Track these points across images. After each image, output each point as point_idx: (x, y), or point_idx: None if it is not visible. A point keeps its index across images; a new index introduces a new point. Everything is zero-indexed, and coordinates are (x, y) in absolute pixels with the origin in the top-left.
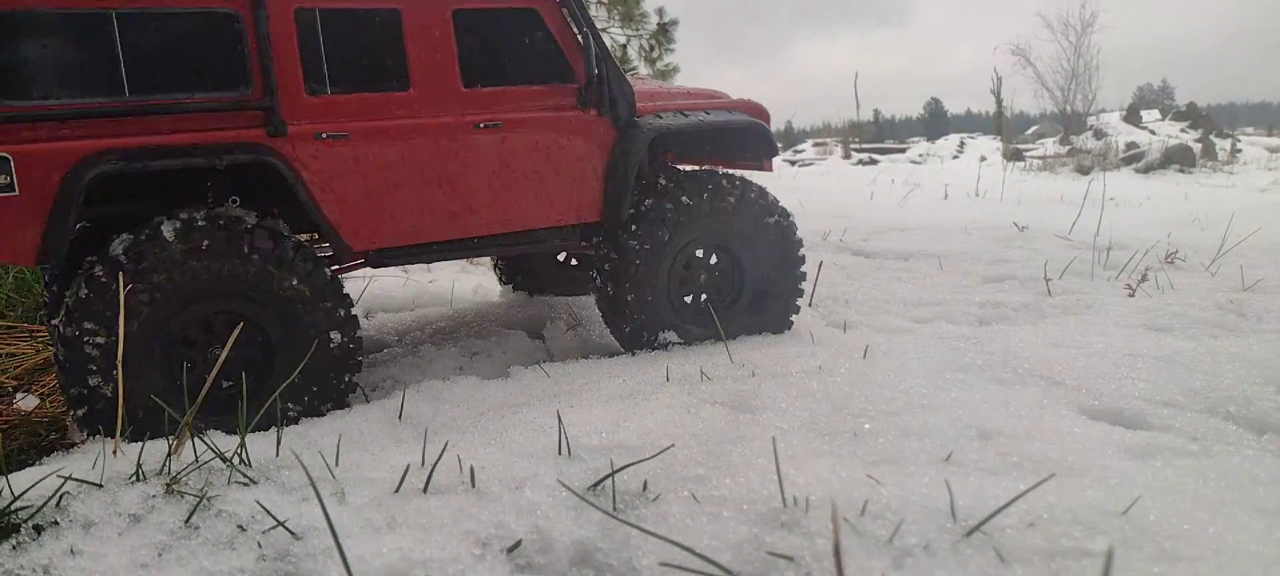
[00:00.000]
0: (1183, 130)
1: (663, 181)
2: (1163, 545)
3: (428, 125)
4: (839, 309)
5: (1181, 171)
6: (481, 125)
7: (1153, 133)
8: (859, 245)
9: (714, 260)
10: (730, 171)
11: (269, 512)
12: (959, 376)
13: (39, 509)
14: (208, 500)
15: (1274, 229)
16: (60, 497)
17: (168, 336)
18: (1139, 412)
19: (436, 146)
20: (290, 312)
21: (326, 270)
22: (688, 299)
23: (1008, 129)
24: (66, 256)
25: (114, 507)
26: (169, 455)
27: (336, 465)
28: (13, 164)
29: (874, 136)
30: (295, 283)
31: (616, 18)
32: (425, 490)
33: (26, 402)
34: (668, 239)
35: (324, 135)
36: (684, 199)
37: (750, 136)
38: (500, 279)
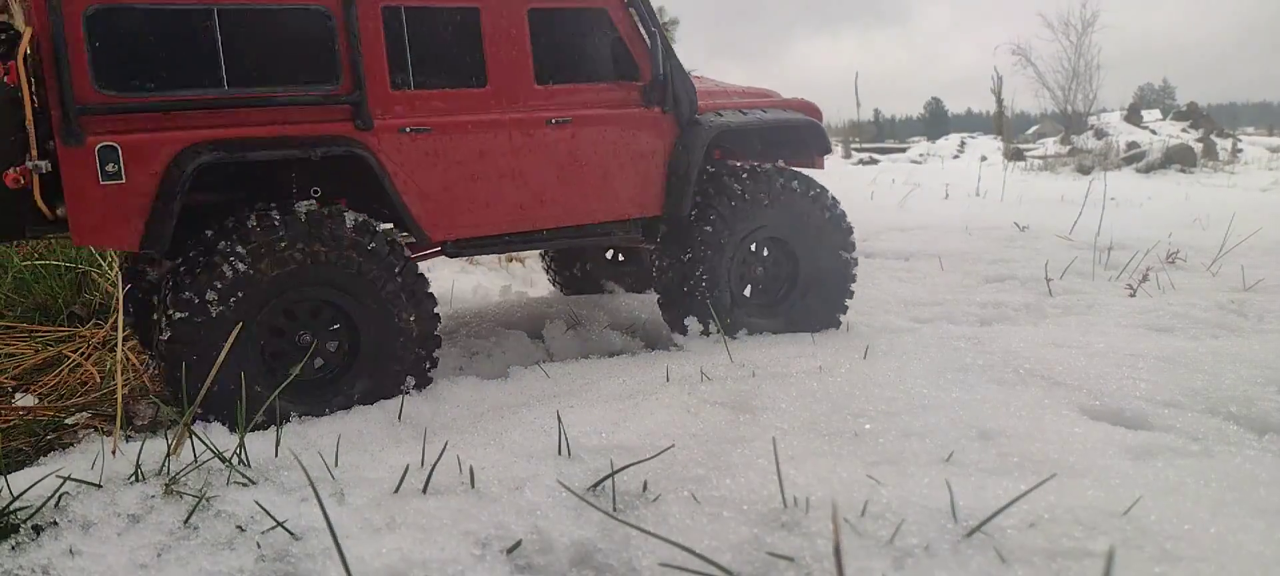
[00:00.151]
0: (1184, 130)
1: (726, 176)
2: (1164, 545)
3: (503, 121)
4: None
5: (1182, 171)
6: (553, 121)
7: (1154, 132)
8: (859, 245)
9: (771, 254)
10: (788, 167)
11: (268, 513)
12: (960, 376)
13: (38, 509)
14: (207, 500)
15: (1275, 229)
16: (59, 498)
17: (263, 322)
18: (1140, 413)
19: (510, 141)
20: (376, 299)
21: (410, 259)
22: (747, 291)
23: (1008, 129)
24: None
25: (113, 508)
26: (168, 455)
27: (336, 465)
28: (121, 152)
29: (874, 136)
30: (382, 271)
31: None
32: (425, 490)
33: (25, 402)
34: (729, 232)
35: (407, 129)
36: (745, 193)
37: (805, 134)
38: (552, 280)
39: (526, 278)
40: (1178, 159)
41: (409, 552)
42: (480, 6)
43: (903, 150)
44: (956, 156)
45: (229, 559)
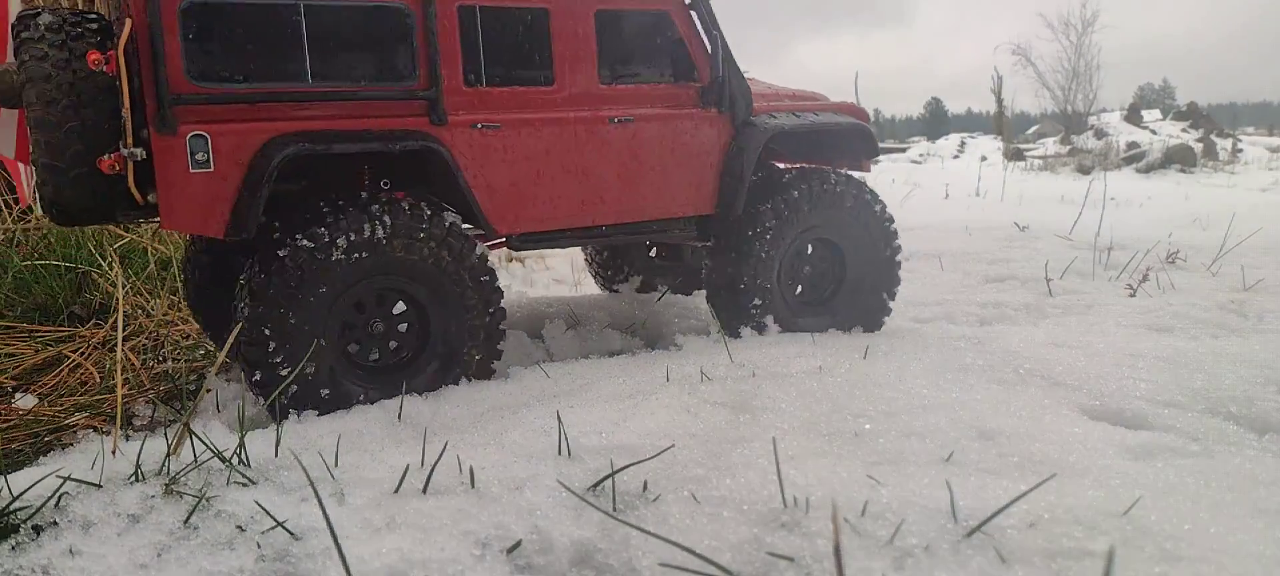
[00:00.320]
0: (1184, 130)
1: (779, 177)
2: (1164, 545)
3: (568, 118)
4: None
5: (1182, 171)
6: (615, 120)
7: (1154, 132)
8: None
9: (820, 254)
10: (840, 170)
11: (268, 513)
12: (960, 376)
13: (38, 509)
14: (207, 500)
15: (1275, 228)
16: (59, 498)
17: (342, 309)
18: (1140, 413)
19: (575, 139)
20: (447, 289)
21: (479, 250)
22: (797, 290)
23: (1008, 128)
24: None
25: (113, 508)
26: (168, 455)
27: (336, 465)
28: (210, 142)
29: None
30: (454, 262)
31: None
32: (425, 490)
33: (25, 402)
34: (781, 232)
35: (479, 125)
36: (797, 195)
37: (853, 138)
38: (595, 278)
39: (526, 277)
40: (1178, 159)
41: (409, 552)
42: (550, 7)
43: (903, 150)
44: (956, 156)
45: (229, 559)
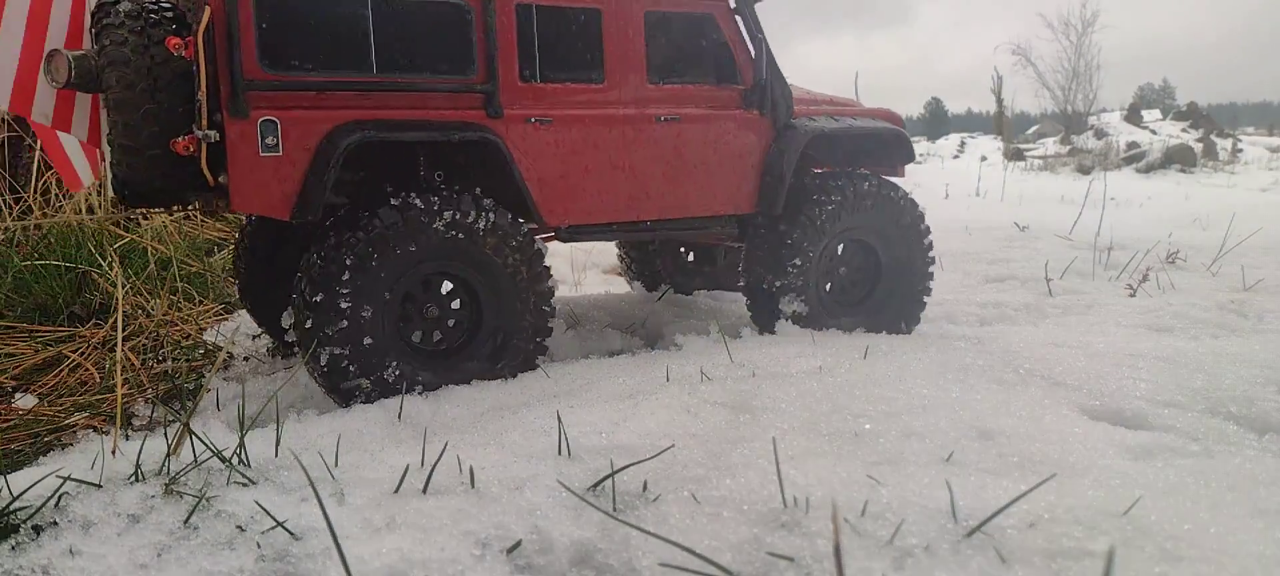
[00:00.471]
0: (1184, 130)
1: (817, 179)
2: (1164, 545)
3: (617, 116)
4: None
5: (1182, 171)
6: (661, 118)
7: (1154, 132)
8: None
9: (856, 255)
10: (876, 173)
11: (268, 513)
12: (960, 376)
13: (38, 509)
14: (207, 500)
15: (1275, 228)
16: (59, 498)
17: (399, 293)
18: (1140, 413)
19: (623, 136)
20: (502, 278)
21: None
22: (830, 289)
23: (1008, 128)
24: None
25: (113, 508)
26: (168, 455)
27: (336, 465)
28: (279, 127)
29: None
30: (511, 253)
31: None
32: (425, 490)
33: (25, 402)
34: (818, 233)
35: (532, 119)
36: (835, 196)
37: (890, 143)
38: (628, 276)
39: None
40: (1178, 159)
41: (409, 552)
42: (602, 8)
43: None
44: (956, 156)
45: (229, 559)
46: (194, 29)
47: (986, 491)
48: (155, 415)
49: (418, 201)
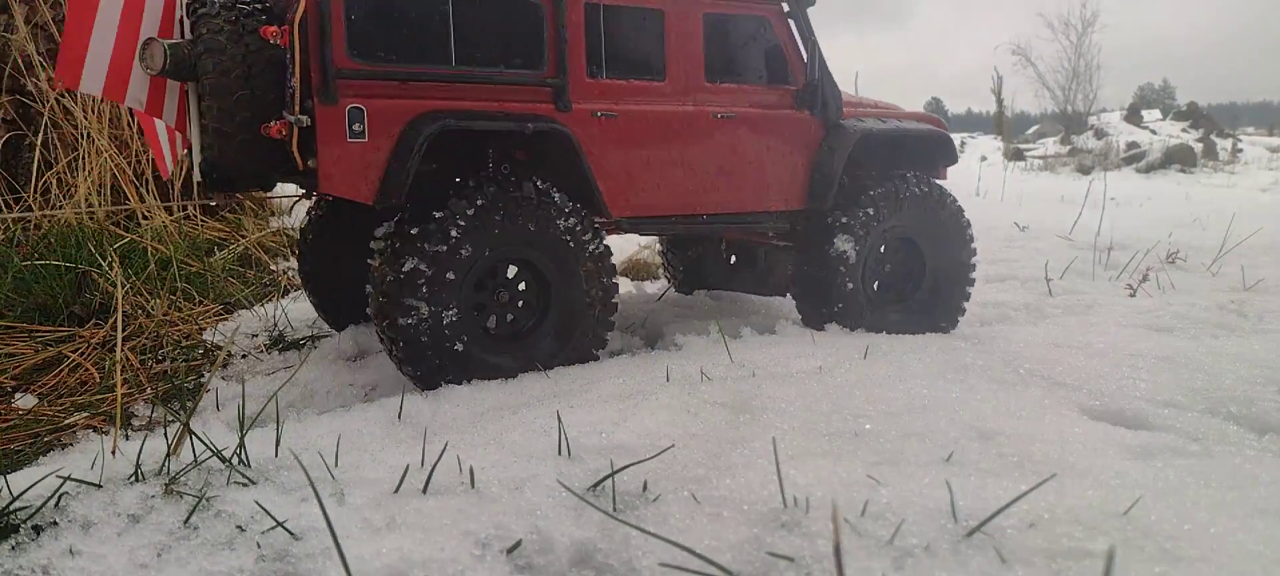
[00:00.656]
0: (1184, 130)
1: (865, 179)
2: (1164, 545)
3: (677, 112)
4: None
5: (1182, 171)
6: (718, 115)
7: (1154, 132)
8: None
9: (902, 253)
10: (922, 174)
11: (268, 513)
12: (960, 376)
13: (38, 509)
14: (207, 500)
15: (1275, 228)
16: (59, 498)
17: (474, 277)
18: (1140, 413)
19: (682, 132)
20: (570, 265)
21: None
22: (877, 287)
23: (1008, 128)
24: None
25: (113, 508)
26: (168, 455)
27: (336, 465)
28: (365, 114)
29: None
30: (581, 244)
31: None
32: (425, 490)
33: (25, 402)
34: (867, 232)
35: (598, 113)
36: (882, 196)
37: (934, 146)
38: (666, 276)
39: None
40: (1178, 159)
41: (409, 552)
42: (665, 9)
43: None
44: None
45: (229, 559)
46: (289, 19)
47: (986, 491)
48: (155, 415)
49: (501, 190)
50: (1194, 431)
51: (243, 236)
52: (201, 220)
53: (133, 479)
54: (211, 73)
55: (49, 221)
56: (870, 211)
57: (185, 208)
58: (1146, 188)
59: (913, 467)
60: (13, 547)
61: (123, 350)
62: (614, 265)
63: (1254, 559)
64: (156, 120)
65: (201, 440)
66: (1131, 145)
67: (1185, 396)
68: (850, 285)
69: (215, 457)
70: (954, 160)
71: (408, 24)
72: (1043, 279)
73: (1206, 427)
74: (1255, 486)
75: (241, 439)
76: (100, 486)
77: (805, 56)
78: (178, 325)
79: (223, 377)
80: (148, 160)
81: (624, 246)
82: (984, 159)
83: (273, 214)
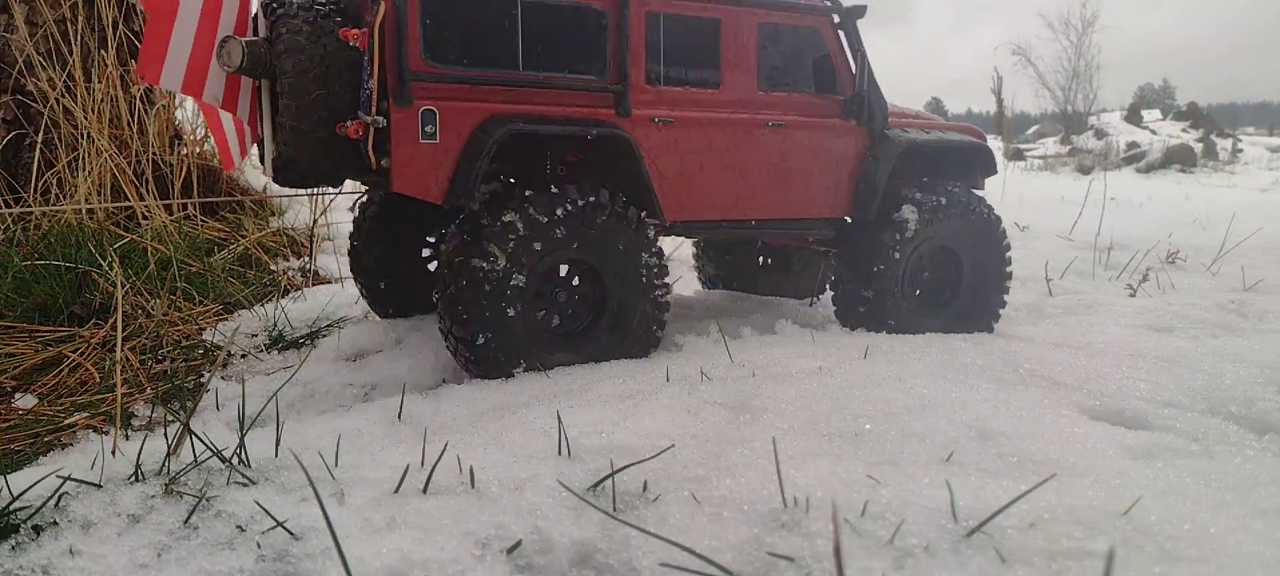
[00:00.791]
0: (1184, 130)
1: (906, 188)
2: (1164, 545)
3: (730, 120)
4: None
5: (1183, 171)
6: (769, 124)
7: (1154, 132)
8: None
9: (940, 260)
10: (958, 183)
11: (268, 513)
12: (960, 376)
13: (38, 509)
14: (207, 500)
15: (1275, 228)
16: (59, 498)
17: (537, 277)
18: (1140, 413)
19: (734, 139)
20: (627, 267)
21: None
22: (917, 293)
23: (1008, 129)
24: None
25: (113, 508)
26: (168, 455)
27: (336, 465)
28: (438, 116)
29: None
30: (637, 248)
31: None
32: (425, 491)
33: (25, 402)
34: (908, 238)
35: (656, 119)
36: (924, 204)
37: (973, 156)
38: (700, 277)
39: None
40: (1178, 159)
41: (409, 552)
42: (721, 18)
43: None
44: None
45: (229, 559)
46: (368, 22)
47: (986, 491)
48: (155, 415)
49: (565, 194)
50: (1194, 431)
51: (243, 236)
52: (201, 220)
53: (133, 479)
54: (290, 72)
55: (49, 221)
56: (912, 220)
57: (185, 207)
58: (1146, 188)
59: (913, 467)
60: (13, 547)
61: (123, 350)
62: (666, 265)
63: (1254, 559)
64: (224, 115)
65: (201, 440)
66: (1131, 145)
67: (1185, 396)
68: (892, 292)
69: (215, 457)
70: (993, 171)
71: (479, 28)
72: (1043, 279)
73: (1206, 427)
74: (1255, 486)
75: (241, 439)
76: (100, 486)
77: (854, 67)
78: (178, 325)
79: (223, 377)
80: (148, 160)
81: None
82: None
83: (273, 213)
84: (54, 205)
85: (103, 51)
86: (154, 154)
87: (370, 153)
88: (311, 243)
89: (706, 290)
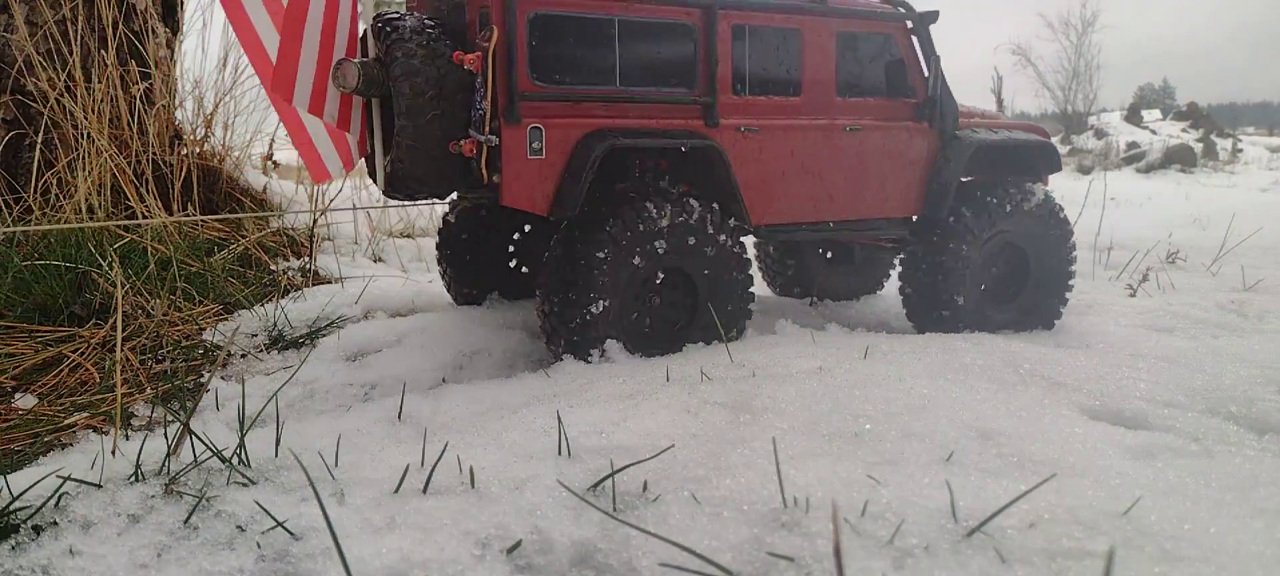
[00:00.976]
0: (1184, 130)
1: (976, 188)
2: (1164, 545)
3: (810, 126)
4: (840, 309)
5: (1182, 171)
6: (847, 128)
7: (1154, 132)
8: None
9: (1009, 256)
10: (1029, 181)
11: (268, 513)
12: (960, 376)
13: (38, 509)
14: (207, 500)
15: (1275, 228)
16: (59, 498)
17: (636, 282)
18: (1140, 413)
19: (814, 144)
20: (718, 270)
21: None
22: (984, 289)
23: None
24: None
25: (113, 508)
26: (168, 455)
27: (336, 465)
28: (544, 133)
29: None
30: (728, 252)
31: None
32: (425, 490)
33: (25, 402)
34: (978, 237)
35: (742, 128)
36: (993, 202)
37: (1038, 155)
38: (769, 281)
39: None
40: (1178, 159)
41: (409, 552)
42: (802, 28)
43: None
44: None
45: (229, 559)
46: (481, 45)
47: (986, 491)
48: (155, 415)
49: (662, 202)
50: (1194, 431)
51: (243, 236)
52: (201, 221)
53: (133, 479)
54: (407, 94)
55: (50, 223)
56: (981, 218)
57: (187, 209)
58: (1146, 187)
59: (913, 467)
60: (13, 547)
61: (123, 350)
62: (750, 261)
63: (1254, 559)
64: (315, 131)
65: (201, 440)
66: (1131, 145)
67: (1185, 396)
68: (962, 288)
69: (215, 457)
70: (1058, 168)
71: (580, 48)
72: None
73: (1206, 427)
74: (1255, 486)
75: (241, 439)
76: (100, 486)
77: (926, 71)
78: (178, 325)
79: (223, 377)
80: (148, 160)
81: None
82: None
83: (272, 213)
84: (54, 205)
85: (103, 51)
86: (154, 154)
87: (483, 169)
88: (311, 243)
89: (775, 294)
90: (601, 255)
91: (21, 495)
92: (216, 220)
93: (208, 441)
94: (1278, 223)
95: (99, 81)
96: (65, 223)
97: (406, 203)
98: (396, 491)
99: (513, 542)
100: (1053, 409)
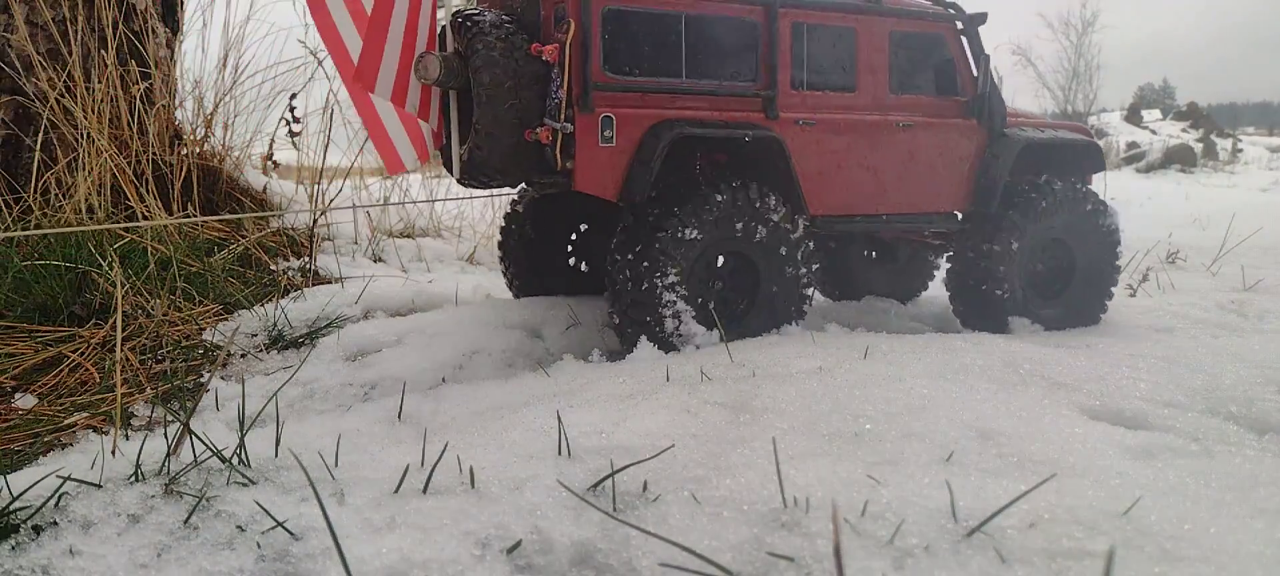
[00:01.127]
0: (1184, 130)
1: (1024, 185)
2: (1164, 545)
3: (865, 122)
4: (840, 309)
5: (1182, 171)
6: (899, 124)
7: (1154, 132)
8: None
9: (1054, 253)
10: (1070, 179)
11: (268, 513)
12: (960, 376)
13: (38, 509)
14: (207, 500)
15: (1275, 228)
16: (59, 498)
17: (701, 266)
18: (1140, 413)
19: (868, 139)
20: (773, 256)
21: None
22: (1029, 284)
23: None
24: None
25: (113, 508)
26: (168, 455)
27: (336, 465)
28: (615, 122)
29: None
30: (786, 239)
31: None
32: (425, 491)
33: (25, 402)
34: (1025, 232)
35: (800, 121)
36: (1040, 200)
37: (1083, 154)
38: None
39: None
40: (1178, 159)
41: (409, 552)
42: (857, 27)
43: None
44: None
45: (229, 559)
46: (557, 38)
47: (986, 491)
48: (155, 415)
49: (732, 192)
50: (1194, 431)
51: (243, 236)
52: (201, 221)
53: (133, 479)
54: (487, 85)
55: (50, 222)
56: (1028, 214)
57: (187, 209)
58: (1146, 187)
59: (913, 467)
60: (13, 547)
61: (123, 350)
62: (811, 248)
63: (1254, 559)
64: (390, 122)
65: (201, 440)
66: (1131, 145)
67: (1185, 396)
68: (1009, 283)
69: (215, 457)
70: (1101, 166)
71: (650, 42)
72: None
73: (1206, 427)
74: (1255, 486)
75: (241, 439)
76: (100, 486)
77: (975, 70)
78: (178, 325)
79: (223, 377)
80: (148, 160)
81: None
82: None
83: (272, 213)
84: (54, 205)
85: (103, 51)
86: (154, 154)
87: (557, 155)
88: (311, 243)
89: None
90: (675, 232)
91: (21, 495)
92: (216, 220)
93: (208, 441)
94: (1278, 223)
95: (99, 81)
96: (65, 223)
97: (479, 191)
98: (396, 491)
99: (513, 542)
100: (1053, 409)
